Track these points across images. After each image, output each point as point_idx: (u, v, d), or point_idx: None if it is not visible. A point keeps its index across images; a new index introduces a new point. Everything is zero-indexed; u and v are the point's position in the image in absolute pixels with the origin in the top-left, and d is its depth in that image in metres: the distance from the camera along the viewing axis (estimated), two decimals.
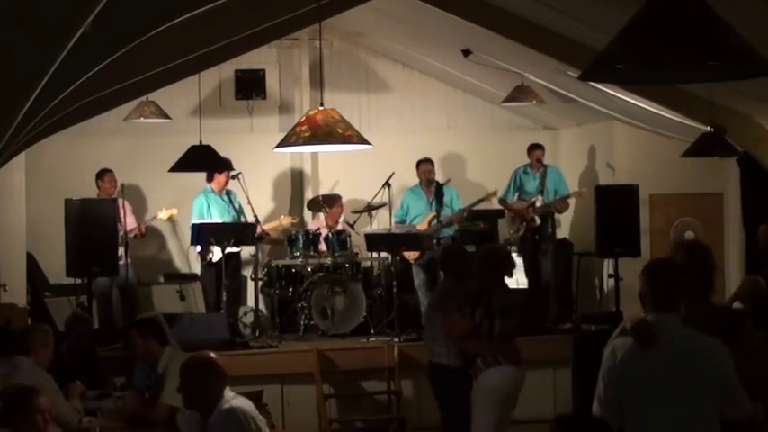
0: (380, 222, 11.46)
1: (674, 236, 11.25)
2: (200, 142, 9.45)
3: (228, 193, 10.74)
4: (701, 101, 9.12)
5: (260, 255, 10.95)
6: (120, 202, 10.29)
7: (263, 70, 12.11)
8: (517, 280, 10.71)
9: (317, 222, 11.52)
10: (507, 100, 11.00)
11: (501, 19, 8.71)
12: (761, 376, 4.40)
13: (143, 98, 10.55)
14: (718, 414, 4.09)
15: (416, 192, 11.07)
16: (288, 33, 10.41)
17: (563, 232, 11.84)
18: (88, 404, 6.67)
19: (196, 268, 11.27)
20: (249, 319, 10.77)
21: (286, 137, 6.63)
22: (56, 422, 5.83)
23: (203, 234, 10.15)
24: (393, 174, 10.82)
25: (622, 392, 4.15)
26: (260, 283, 10.99)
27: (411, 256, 10.63)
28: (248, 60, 11.68)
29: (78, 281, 9.93)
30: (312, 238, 10.69)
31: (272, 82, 12.18)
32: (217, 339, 9.07)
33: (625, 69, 4.18)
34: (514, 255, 10.83)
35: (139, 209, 11.39)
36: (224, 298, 10.11)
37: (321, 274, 10.58)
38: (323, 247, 10.76)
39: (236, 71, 11.99)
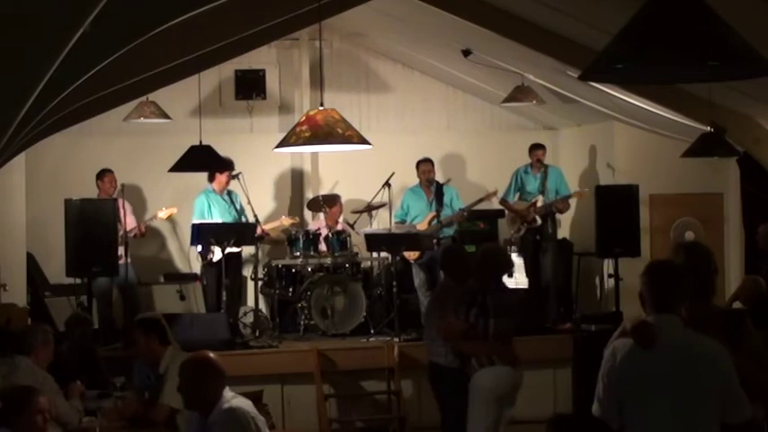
0: (380, 222, 11.46)
1: (674, 236, 11.25)
2: (200, 142, 9.46)
3: (230, 194, 10.74)
4: (701, 101, 9.12)
5: (260, 255, 10.94)
6: (120, 202, 10.29)
7: (263, 70, 12.11)
8: (517, 280, 10.74)
9: (317, 222, 11.53)
10: (507, 100, 11.00)
11: (501, 19, 8.71)
12: (761, 377, 4.39)
13: (143, 98, 10.55)
14: (718, 415, 4.09)
15: (416, 192, 11.06)
16: (288, 33, 10.42)
17: (563, 232, 11.84)
18: (88, 404, 6.67)
19: (196, 268, 11.28)
20: (249, 319, 10.77)
21: (286, 137, 6.63)
22: (56, 422, 5.84)
23: (203, 234, 10.14)
24: (393, 174, 10.81)
25: (622, 393, 4.15)
26: (260, 283, 10.99)
27: (411, 256, 10.63)
28: (248, 60, 11.68)
29: (78, 281, 9.93)
30: (312, 238, 10.69)
31: (272, 82, 12.18)
32: (217, 339, 9.07)
33: (625, 69, 4.18)
34: (515, 255, 10.87)
35: (139, 209, 11.39)
36: (224, 298, 10.10)
37: (321, 274, 10.58)
38: (323, 247, 10.76)
39: (236, 71, 11.99)
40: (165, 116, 10.84)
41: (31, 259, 10.79)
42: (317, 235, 10.78)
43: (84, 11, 3.31)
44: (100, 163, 10.90)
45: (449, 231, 10.91)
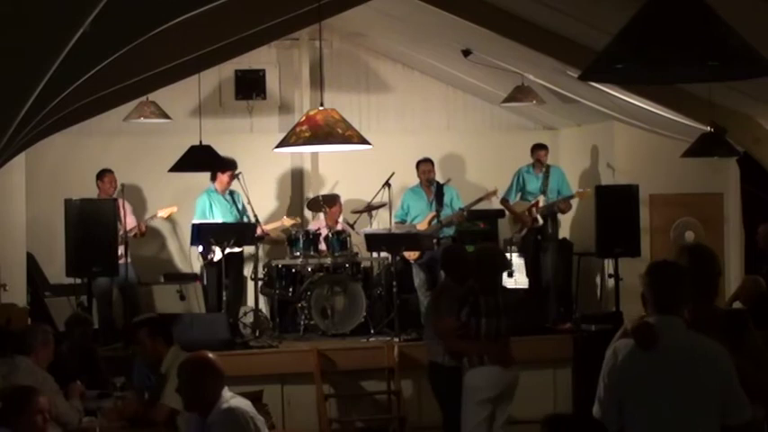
0: (380, 222, 11.45)
1: (674, 236, 11.25)
2: (200, 142, 9.46)
3: (232, 193, 10.74)
4: (701, 101, 9.12)
5: (260, 255, 10.94)
6: (120, 202, 10.29)
7: (263, 70, 12.10)
8: (517, 280, 10.75)
9: (317, 222, 11.52)
10: (507, 100, 11.00)
11: (501, 19, 8.71)
12: (761, 378, 4.39)
13: (143, 98, 10.55)
14: (719, 416, 4.09)
15: (416, 192, 11.06)
16: (288, 33, 10.42)
17: (563, 232, 11.83)
18: (88, 404, 6.67)
19: (196, 268, 11.28)
20: (249, 319, 10.76)
21: (286, 137, 6.63)
22: (56, 422, 5.84)
23: (203, 234, 10.14)
24: (393, 174, 10.81)
25: (623, 394, 4.15)
26: (260, 283, 10.98)
27: (411, 256, 10.63)
28: (248, 60, 11.68)
29: (78, 281, 9.93)
30: (312, 238, 10.69)
31: (272, 82, 12.18)
32: (217, 339, 9.07)
33: (625, 69, 4.18)
34: (515, 255, 10.88)
35: (139, 209, 11.39)
36: (224, 298, 10.10)
37: (321, 274, 10.57)
38: (323, 247, 10.76)
39: (236, 71, 11.99)
40: (165, 116, 10.84)
41: (31, 259, 10.79)
42: (317, 235, 10.78)
43: (84, 11, 3.31)
44: (100, 163, 10.90)
45: (449, 231, 10.91)
